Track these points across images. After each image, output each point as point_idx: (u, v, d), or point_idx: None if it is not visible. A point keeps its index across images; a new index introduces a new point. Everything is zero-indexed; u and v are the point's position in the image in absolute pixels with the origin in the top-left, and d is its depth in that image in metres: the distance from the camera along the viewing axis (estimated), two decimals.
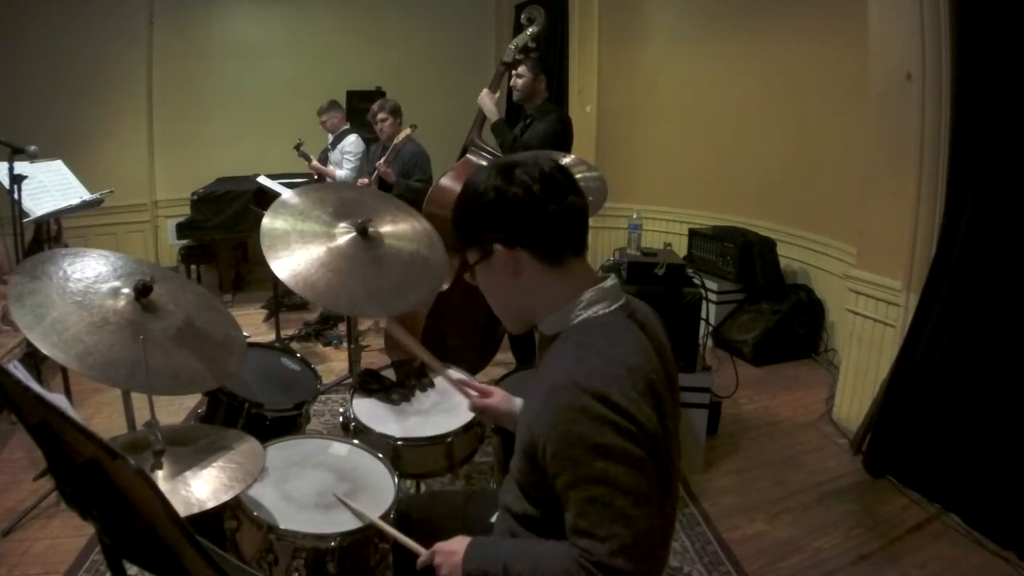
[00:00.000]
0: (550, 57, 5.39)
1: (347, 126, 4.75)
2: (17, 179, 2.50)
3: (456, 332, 3.19)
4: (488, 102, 3.28)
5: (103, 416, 3.08)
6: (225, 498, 1.21)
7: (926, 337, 2.56)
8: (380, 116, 4.05)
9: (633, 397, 0.95)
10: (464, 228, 1.10)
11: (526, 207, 1.03)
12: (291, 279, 1.74)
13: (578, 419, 0.93)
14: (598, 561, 0.92)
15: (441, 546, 1.15)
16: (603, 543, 0.92)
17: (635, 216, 2.93)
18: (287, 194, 2.00)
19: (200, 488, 1.22)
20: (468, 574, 1.08)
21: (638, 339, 1.05)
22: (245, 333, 1.69)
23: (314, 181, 4.88)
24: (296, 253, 1.80)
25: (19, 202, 2.54)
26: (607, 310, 1.06)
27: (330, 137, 4.77)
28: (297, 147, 4.56)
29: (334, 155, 4.66)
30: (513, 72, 3.28)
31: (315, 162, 4.64)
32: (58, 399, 0.96)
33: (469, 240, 1.10)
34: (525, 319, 1.15)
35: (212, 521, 1.34)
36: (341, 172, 4.53)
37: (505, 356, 3.53)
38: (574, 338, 1.05)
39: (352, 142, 4.57)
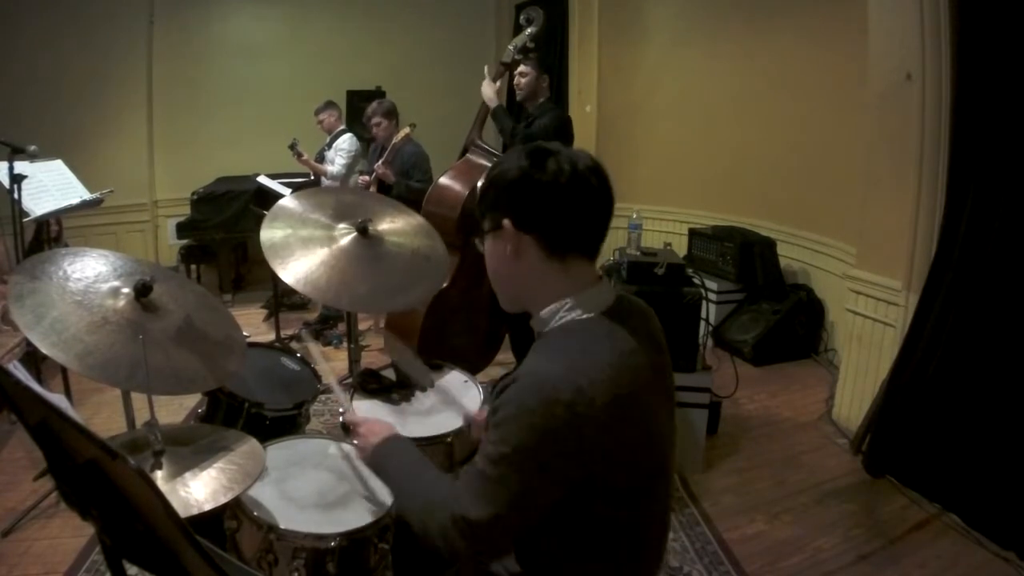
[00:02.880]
0: (550, 57, 5.40)
1: (343, 126, 4.75)
2: (17, 179, 2.50)
3: (458, 332, 3.19)
4: (489, 91, 3.29)
5: (103, 416, 3.08)
6: (224, 500, 1.21)
7: (926, 337, 2.56)
8: (375, 120, 4.05)
9: (580, 412, 0.94)
10: (484, 198, 1.11)
11: (545, 194, 1.03)
12: (297, 283, 1.76)
13: (520, 405, 0.95)
14: (453, 516, 1.00)
15: (370, 423, 1.35)
16: (459, 506, 0.99)
17: (635, 216, 2.93)
18: (282, 201, 2.00)
19: (199, 489, 1.22)
20: (369, 461, 1.29)
21: (618, 348, 1.03)
22: (245, 333, 1.70)
23: (313, 180, 4.89)
24: (300, 259, 1.81)
25: (19, 202, 2.54)
26: (589, 315, 1.06)
27: (327, 136, 4.77)
28: (292, 146, 4.57)
29: (329, 154, 4.66)
30: (516, 72, 3.28)
31: (305, 156, 4.65)
32: (58, 399, 0.96)
33: (485, 209, 1.11)
34: (516, 301, 1.15)
35: (212, 521, 1.33)
36: (332, 168, 4.54)
37: (505, 356, 3.53)
38: (551, 340, 1.05)
39: (346, 140, 4.58)
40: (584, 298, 1.07)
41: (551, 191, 1.02)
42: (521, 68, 3.24)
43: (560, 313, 1.07)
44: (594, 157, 1.08)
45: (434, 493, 1.08)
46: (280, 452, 1.58)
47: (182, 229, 4.98)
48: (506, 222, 1.05)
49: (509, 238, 1.06)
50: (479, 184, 1.16)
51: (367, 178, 4.03)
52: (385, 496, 1.44)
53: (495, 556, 1.16)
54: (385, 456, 1.25)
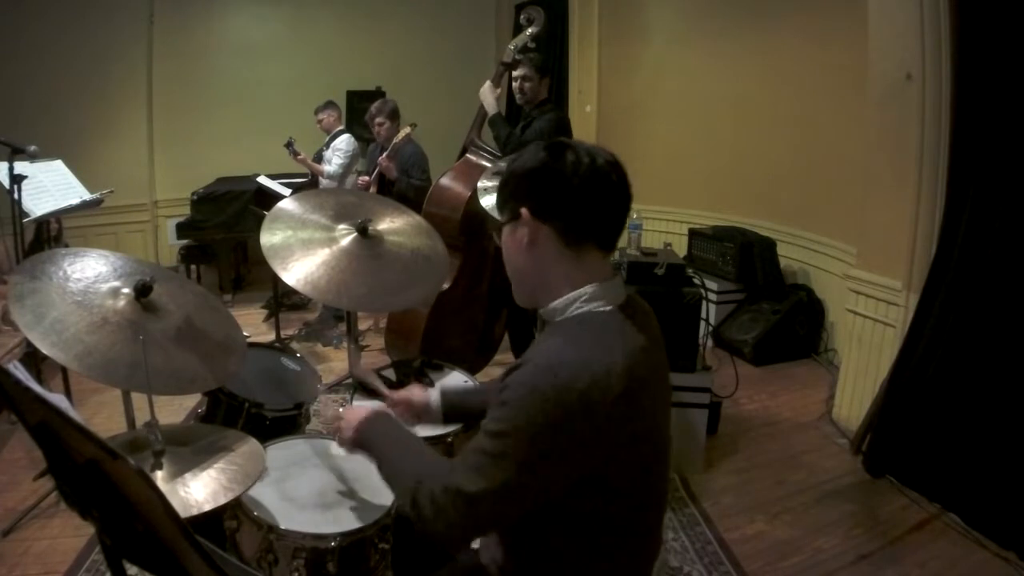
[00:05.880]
0: (550, 57, 5.40)
1: (342, 126, 4.76)
2: (17, 179, 2.50)
3: (456, 332, 3.19)
4: (489, 96, 3.29)
5: (103, 416, 3.08)
6: (224, 500, 1.21)
7: (926, 337, 2.56)
8: (378, 120, 4.04)
9: (594, 400, 0.94)
10: (504, 187, 1.13)
11: (563, 185, 1.04)
12: (299, 284, 1.77)
13: (533, 388, 0.95)
14: (447, 487, 0.99)
15: (352, 409, 1.31)
16: (453, 477, 0.99)
17: (635, 216, 2.93)
18: (281, 203, 2.01)
19: (199, 489, 1.22)
20: (354, 438, 1.24)
21: (630, 343, 1.03)
22: (245, 333, 1.70)
23: (311, 180, 4.89)
24: (301, 260, 1.82)
25: (19, 202, 2.54)
26: (604, 308, 1.06)
27: (326, 136, 4.78)
28: (288, 145, 4.57)
29: (327, 154, 4.67)
30: (516, 73, 3.27)
31: (303, 155, 4.65)
32: (58, 399, 0.96)
33: (505, 200, 1.12)
34: (532, 295, 1.15)
35: (212, 521, 1.34)
36: (329, 168, 4.55)
37: (505, 356, 3.53)
38: (565, 329, 1.05)
39: (344, 140, 4.59)
40: (604, 289, 1.07)
41: (569, 182, 1.04)
42: (523, 72, 3.22)
43: (577, 303, 1.06)
44: (613, 153, 1.09)
45: (426, 464, 1.09)
46: (280, 452, 1.58)
47: (182, 229, 4.98)
48: (524, 211, 1.06)
49: (526, 227, 1.07)
50: (478, 185, 1.16)
51: (367, 178, 4.02)
52: (385, 496, 1.44)
53: (482, 533, 1.16)
54: (371, 431, 1.23)
